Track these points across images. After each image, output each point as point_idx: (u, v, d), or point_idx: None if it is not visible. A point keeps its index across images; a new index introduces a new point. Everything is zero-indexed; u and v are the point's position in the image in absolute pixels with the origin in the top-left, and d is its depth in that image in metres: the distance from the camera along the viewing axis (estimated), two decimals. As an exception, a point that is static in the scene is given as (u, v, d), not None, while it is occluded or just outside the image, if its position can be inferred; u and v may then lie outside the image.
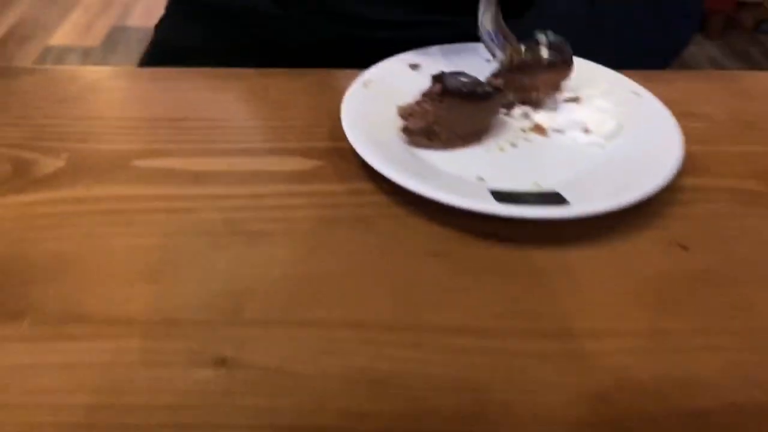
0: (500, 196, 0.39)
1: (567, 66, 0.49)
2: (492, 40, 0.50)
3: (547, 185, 0.42)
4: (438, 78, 0.45)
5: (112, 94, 0.52)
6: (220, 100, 0.52)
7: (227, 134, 0.48)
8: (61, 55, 2.19)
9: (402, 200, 0.41)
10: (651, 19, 0.64)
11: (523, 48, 0.49)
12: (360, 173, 0.43)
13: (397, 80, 0.51)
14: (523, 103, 0.50)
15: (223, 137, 0.47)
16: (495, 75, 0.49)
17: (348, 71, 0.53)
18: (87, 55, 2.20)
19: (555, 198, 0.39)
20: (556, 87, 0.50)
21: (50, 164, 0.43)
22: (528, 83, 0.49)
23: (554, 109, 0.49)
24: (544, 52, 0.49)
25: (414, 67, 0.53)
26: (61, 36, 2.28)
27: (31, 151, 0.45)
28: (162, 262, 0.37)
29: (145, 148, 0.45)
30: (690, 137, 0.46)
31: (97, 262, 0.36)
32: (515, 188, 0.41)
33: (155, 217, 0.40)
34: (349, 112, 0.46)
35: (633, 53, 0.65)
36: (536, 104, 0.49)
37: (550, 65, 0.49)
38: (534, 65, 0.49)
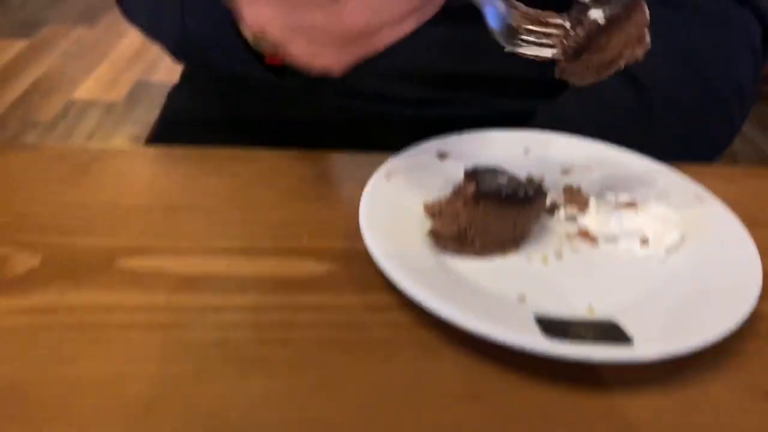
0: (548, 326, 0.33)
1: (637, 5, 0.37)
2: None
3: (601, 309, 0.35)
4: (472, 175, 0.39)
5: (105, 177, 0.46)
6: (225, 186, 0.46)
7: (229, 229, 0.42)
8: (83, 109, 2.19)
9: (429, 320, 0.34)
10: (706, 100, 0.58)
11: (566, 23, 0.37)
12: (379, 282, 0.37)
13: (423, 172, 0.45)
14: (570, 202, 0.43)
15: (224, 232, 0.42)
16: (559, 63, 0.38)
17: (369, 155, 0.48)
18: (109, 110, 2.19)
19: (614, 332, 0.33)
20: (641, 39, 0.37)
21: (24, 262, 0.38)
22: (604, 59, 0.37)
23: (605, 212, 0.43)
24: (595, 12, 0.36)
25: (442, 156, 0.47)
26: (85, 90, 2.29)
27: (5, 245, 0.39)
28: (137, 397, 0.30)
29: (133, 244, 0.40)
30: (763, 249, 0.39)
31: (61, 395, 0.30)
32: (564, 313, 0.34)
33: (135, 336, 0.33)
34: (368, 210, 0.40)
35: (683, 141, 0.59)
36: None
37: (615, 19, 0.36)
38: (595, 32, 0.36)
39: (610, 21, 0.36)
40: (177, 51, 0.59)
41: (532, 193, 0.39)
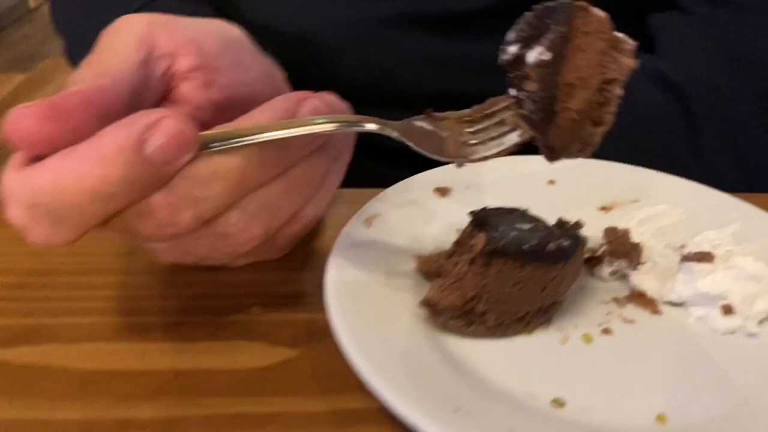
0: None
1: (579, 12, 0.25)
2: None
3: (677, 418, 0.24)
4: (480, 222, 0.28)
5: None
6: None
7: (144, 300, 0.31)
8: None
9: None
10: (764, 108, 0.47)
11: (511, 94, 0.27)
12: (350, 379, 0.25)
13: (416, 215, 0.34)
14: (616, 255, 0.32)
15: (140, 305, 0.31)
16: (539, 143, 0.27)
17: (353, 191, 0.37)
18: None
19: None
20: (616, 43, 0.26)
21: None
22: (587, 95, 0.26)
23: (666, 265, 0.31)
24: (532, 53, 0.26)
25: (443, 192, 0.36)
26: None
27: None
28: None
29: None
30: None
31: None
32: (623, 426, 0.23)
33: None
34: (338, 273, 0.29)
35: (742, 160, 0.48)
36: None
37: (561, 44, 0.25)
38: (549, 73, 0.25)
39: (557, 50, 0.25)
40: None
41: (567, 244, 0.27)
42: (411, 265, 0.31)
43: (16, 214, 0.24)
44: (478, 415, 0.23)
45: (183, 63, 0.29)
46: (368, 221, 0.32)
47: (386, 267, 0.30)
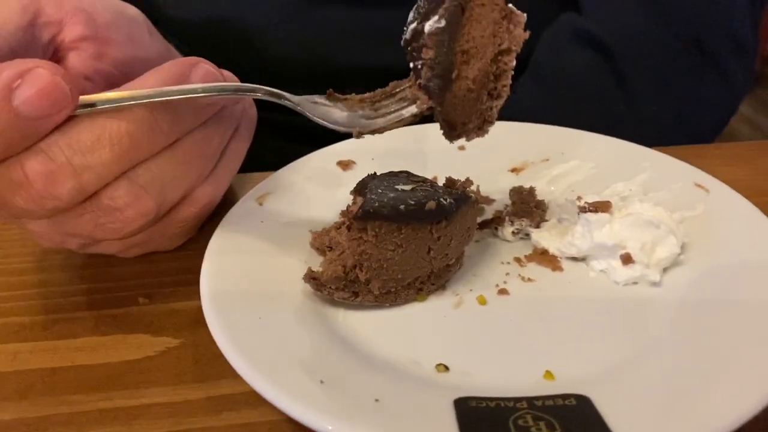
0: (476, 416, 0.20)
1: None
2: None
3: (564, 376, 0.22)
4: (360, 187, 0.27)
5: None
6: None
7: (22, 300, 0.29)
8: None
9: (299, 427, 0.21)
10: (691, 58, 0.45)
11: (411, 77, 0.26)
12: (229, 364, 0.24)
13: (316, 189, 0.33)
14: (519, 215, 0.30)
15: (18, 305, 0.29)
16: (437, 114, 0.26)
17: (258, 174, 0.35)
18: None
19: (583, 414, 0.20)
20: (509, 15, 0.26)
21: None
22: (482, 66, 0.25)
23: (569, 221, 0.30)
24: (428, 24, 0.24)
25: (345, 165, 0.35)
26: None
27: None
28: None
29: None
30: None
31: None
32: (507, 392, 0.21)
33: None
34: (217, 254, 0.27)
35: (670, 115, 0.46)
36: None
37: (455, 14, 0.24)
38: (446, 43, 0.24)
39: (453, 19, 0.24)
40: None
41: (449, 203, 0.26)
42: (307, 242, 0.29)
43: None
44: (344, 387, 0.21)
45: (71, 32, 0.27)
46: (261, 198, 0.31)
47: (276, 245, 0.29)
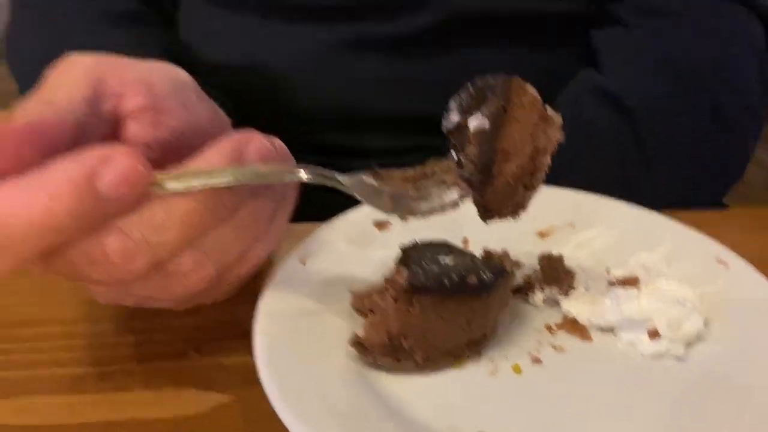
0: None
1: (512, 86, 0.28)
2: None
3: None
4: (404, 258, 0.28)
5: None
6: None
7: (76, 350, 0.31)
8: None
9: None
10: (709, 122, 0.47)
11: (452, 156, 0.28)
12: (281, 422, 0.25)
13: (354, 249, 0.34)
14: (549, 282, 0.32)
15: (73, 356, 0.31)
16: (476, 202, 0.28)
17: (300, 226, 0.37)
18: None
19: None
20: (545, 117, 0.28)
21: None
22: (520, 163, 0.27)
23: (597, 292, 0.32)
24: (474, 120, 0.27)
25: (382, 226, 0.36)
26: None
27: None
28: None
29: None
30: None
31: None
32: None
33: None
34: (267, 315, 0.29)
35: (688, 175, 0.48)
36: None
37: (498, 115, 0.27)
38: (488, 140, 0.27)
39: (495, 120, 0.27)
40: None
41: (489, 277, 0.27)
42: (347, 302, 0.31)
43: None
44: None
45: (131, 103, 0.29)
46: (303, 258, 0.33)
47: (320, 304, 0.30)
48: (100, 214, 0.23)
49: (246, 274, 0.30)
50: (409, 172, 0.29)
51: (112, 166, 0.23)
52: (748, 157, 0.51)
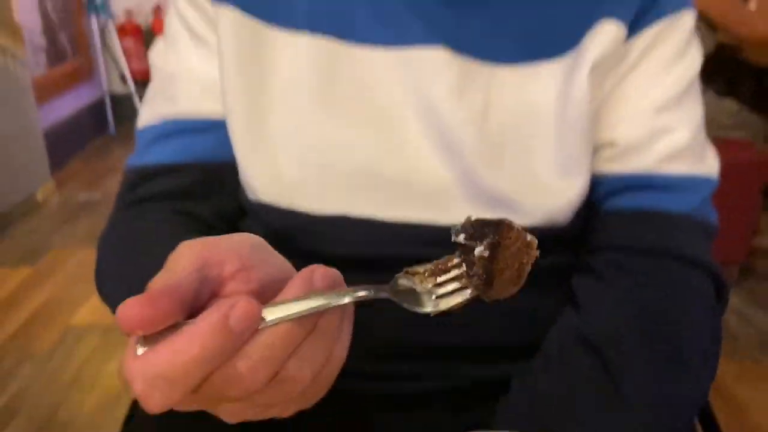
0: None
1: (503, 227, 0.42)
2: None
3: None
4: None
5: None
6: None
7: None
8: (80, 334, 2.21)
9: None
10: (672, 364, 0.59)
11: (461, 262, 0.43)
12: None
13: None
14: None
15: None
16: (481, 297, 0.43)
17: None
18: (106, 333, 2.22)
19: None
20: (530, 244, 0.42)
21: None
22: (512, 273, 0.42)
23: None
24: (477, 249, 0.42)
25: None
26: (84, 314, 2.33)
27: None
28: None
29: None
30: None
31: None
32: None
33: None
34: None
35: (654, 413, 0.59)
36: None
37: (495, 244, 0.42)
38: (488, 261, 0.42)
39: (493, 249, 0.42)
40: None
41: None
42: None
43: (141, 388, 0.33)
44: None
45: (228, 268, 0.40)
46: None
47: None
48: (232, 344, 0.34)
49: (332, 374, 0.40)
50: (429, 268, 0.42)
51: (238, 308, 0.34)
52: (703, 395, 0.62)
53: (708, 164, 0.65)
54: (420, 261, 0.63)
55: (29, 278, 2.57)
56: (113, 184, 3.55)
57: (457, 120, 0.63)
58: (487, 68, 0.62)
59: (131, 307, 0.34)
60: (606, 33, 0.62)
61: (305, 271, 0.39)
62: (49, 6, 3.80)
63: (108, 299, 0.65)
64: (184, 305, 0.35)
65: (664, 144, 0.63)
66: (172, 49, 0.67)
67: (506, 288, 0.42)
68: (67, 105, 3.97)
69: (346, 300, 0.38)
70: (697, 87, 0.68)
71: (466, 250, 0.42)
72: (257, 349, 0.35)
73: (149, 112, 0.68)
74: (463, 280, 0.42)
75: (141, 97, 4.35)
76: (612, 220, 0.65)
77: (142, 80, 4.51)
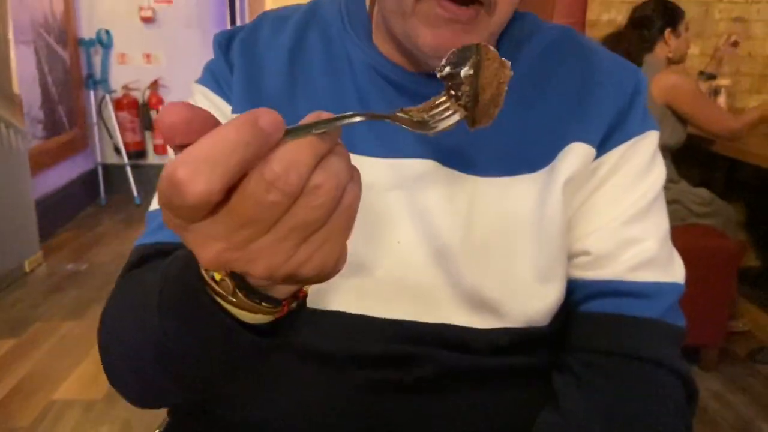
0: None
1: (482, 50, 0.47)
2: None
3: None
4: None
5: None
6: None
7: None
8: (63, 409, 2.19)
9: None
10: None
11: (450, 94, 0.47)
12: None
13: None
14: None
15: None
16: (467, 119, 0.47)
17: None
18: (89, 409, 2.20)
19: None
20: (503, 64, 0.48)
21: None
22: (492, 91, 0.47)
23: None
24: (464, 70, 0.47)
25: None
26: (66, 389, 2.31)
27: None
28: None
29: None
30: None
31: None
32: None
33: None
34: None
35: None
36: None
37: (476, 65, 0.47)
38: (473, 80, 0.47)
39: (476, 69, 0.47)
40: (158, 364, 0.57)
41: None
42: None
43: (184, 172, 0.33)
44: None
45: None
46: None
47: None
48: (263, 140, 0.35)
49: (356, 203, 0.40)
50: (422, 106, 0.46)
51: (263, 112, 0.36)
52: None
53: (675, 272, 0.71)
54: (405, 358, 0.69)
55: (13, 350, 2.55)
56: (100, 255, 3.57)
57: (445, 225, 0.66)
58: (471, 179, 0.68)
59: (175, 106, 0.35)
60: (576, 153, 0.68)
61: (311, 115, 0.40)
62: (50, 80, 3.93)
63: (118, 341, 0.62)
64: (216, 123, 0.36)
65: (633, 254, 0.69)
66: None
67: (488, 109, 0.47)
68: (60, 175, 4.04)
69: (357, 120, 0.40)
70: (662, 199, 0.74)
71: (451, 79, 0.46)
72: (287, 151, 0.35)
73: None
74: (452, 106, 0.46)
75: (133, 168, 4.48)
76: (588, 323, 0.71)
77: (136, 151, 4.61)
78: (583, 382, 0.67)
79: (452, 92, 0.46)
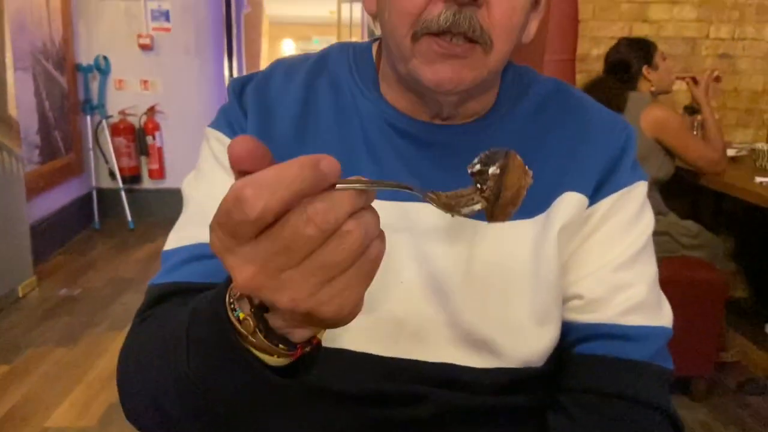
0: None
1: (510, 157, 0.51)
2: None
3: None
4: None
5: None
6: None
7: None
8: (55, 437, 2.19)
9: None
10: None
11: (476, 187, 0.51)
12: None
13: None
14: None
15: None
16: (487, 211, 0.51)
17: None
18: (81, 437, 2.19)
19: None
20: (526, 171, 0.52)
21: None
22: (513, 192, 0.51)
23: None
24: (491, 168, 0.51)
25: None
26: (59, 416, 2.31)
27: None
28: None
29: None
30: None
31: None
32: None
33: None
34: None
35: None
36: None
37: (503, 167, 0.51)
38: (498, 179, 0.51)
39: (503, 169, 0.50)
40: (180, 399, 0.57)
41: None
42: None
43: (251, 192, 0.38)
44: None
45: None
46: None
47: None
48: (320, 180, 0.40)
49: (377, 259, 0.43)
50: (450, 193, 0.50)
51: (325, 158, 0.40)
52: None
53: (663, 316, 0.74)
54: (405, 396, 0.71)
55: (5, 377, 2.55)
56: (93, 280, 3.57)
57: (446, 266, 0.70)
58: (472, 223, 0.71)
59: (243, 139, 0.40)
60: (570, 202, 0.73)
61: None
62: (47, 105, 3.96)
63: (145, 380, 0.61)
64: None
65: (623, 298, 0.73)
66: (204, 180, 0.74)
67: (506, 208, 0.51)
68: (55, 199, 4.05)
69: (393, 188, 0.47)
70: (650, 246, 0.78)
71: (480, 175, 0.50)
72: (332, 196, 0.40)
73: (180, 237, 0.71)
74: (476, 198, 0.50)
75: (127, 192, 4.50)
76: (581, 365, 0.74)
77: (131, 176, 4.63)
78: (577, 421, 0.70)
79: (479, 185, 0.51)
